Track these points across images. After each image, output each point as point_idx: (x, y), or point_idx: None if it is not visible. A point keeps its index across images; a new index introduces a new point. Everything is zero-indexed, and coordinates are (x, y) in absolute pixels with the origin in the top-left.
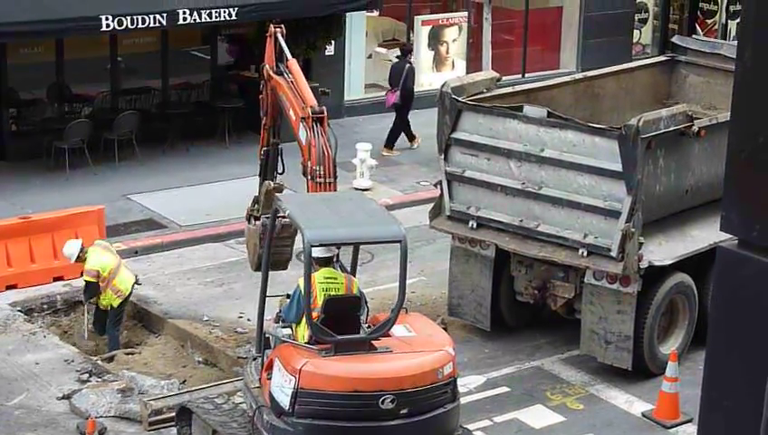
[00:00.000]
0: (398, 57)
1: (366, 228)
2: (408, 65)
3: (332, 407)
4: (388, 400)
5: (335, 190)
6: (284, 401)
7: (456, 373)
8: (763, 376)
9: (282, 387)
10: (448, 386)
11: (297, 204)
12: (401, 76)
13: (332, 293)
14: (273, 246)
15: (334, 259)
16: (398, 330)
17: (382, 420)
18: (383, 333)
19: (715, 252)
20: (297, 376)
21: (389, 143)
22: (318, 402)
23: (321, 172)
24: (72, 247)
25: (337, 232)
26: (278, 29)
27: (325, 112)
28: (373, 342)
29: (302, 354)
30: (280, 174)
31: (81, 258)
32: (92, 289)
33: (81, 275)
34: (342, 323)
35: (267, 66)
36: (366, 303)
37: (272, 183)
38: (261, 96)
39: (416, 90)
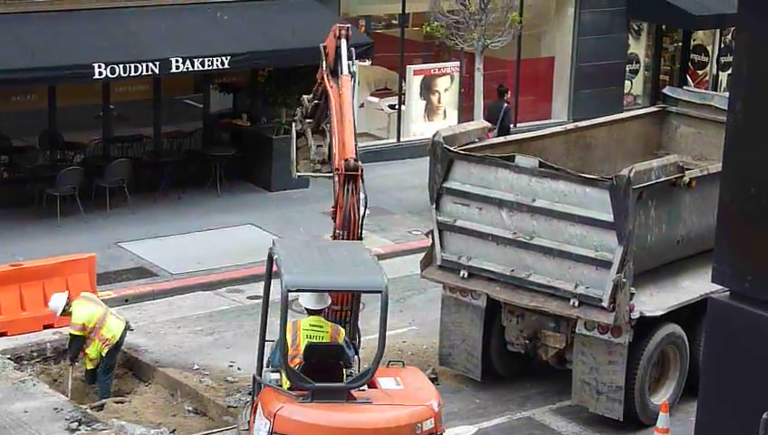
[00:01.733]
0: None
1: (347, 277)
2: (505, 105)
3: None
4: None
5: None
6: None
7: (441, 430)
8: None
9: (259, 430)
10: None
11: (289, 249)
12: (498, 115)
13: (316, 341)
14: None
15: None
16: (386, 382)
17: None
18: (363, 383)
19: (706, 303)
20: (272, 420)
21: None
22: None
23: (345, 236)
24: (57, 301)
25: (316, 279)
26: (344, 30)
27: (360, 170)
28: (353, 392)
29: (279, 399)
30: None
31: (66, 311)
32: (78, 343)
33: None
34: (323, 370)
35: (326, 67)
36: (356, 353)
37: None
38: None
39: (408, 139)
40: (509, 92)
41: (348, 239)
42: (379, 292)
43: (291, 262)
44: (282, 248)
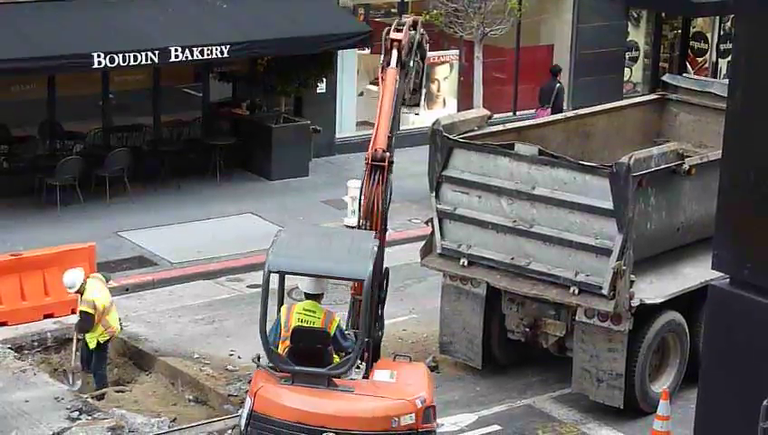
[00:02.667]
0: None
1: (332, 265)
2: (558, 84)
3: (278, 434)
4: None
5: (382, 244)
6: (243, 421)
7: (428, 427)
8: (756, 413)
9: (244, 408)
10: None
11: (292, 233)
12: (551, 95)
13: (306, 325)
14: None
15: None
16: (380, 374)
17: None
18: (344, 371)
19: (706, 290)
20: (253, 399)
21: None
22: (266, 428)
23: (368, 225)
24: (73, 276)
25: (300, 263)
26: (418, 19)
27: (387, 161)
28: (337, 380)
29: (263, 379)
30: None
31: (80, 289)
32: (89, 321)
33: (73, 312)
34: (308, 355)
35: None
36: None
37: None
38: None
39: (408, 127)
40: (560, 72)
41: (371, 229)
42: (362, 280)
43: (282, 245)
44: (285, 232)
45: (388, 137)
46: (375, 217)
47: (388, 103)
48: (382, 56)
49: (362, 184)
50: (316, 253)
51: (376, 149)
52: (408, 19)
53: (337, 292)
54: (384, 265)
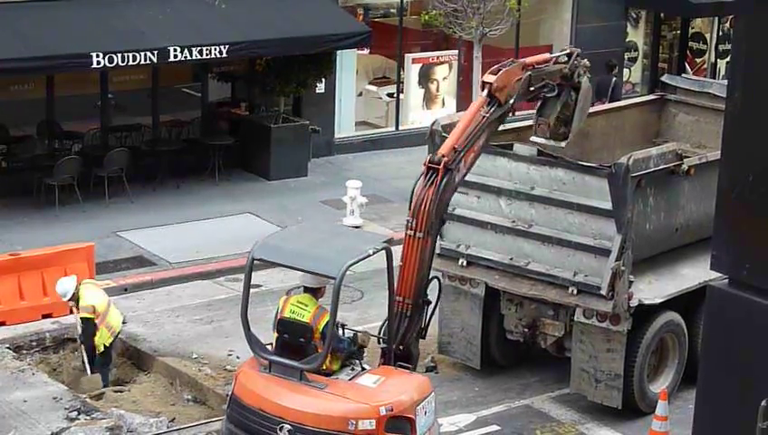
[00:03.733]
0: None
1: (309, 260)
2: (614, 78)
3: (245, 419)
4: (286, 429)
5: (425, 247)
6: (227, 403)
7: None
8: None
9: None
10: None
11: (298, 228)
12: (608, 89)
13: (295, 317)
14: None
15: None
16: (365, 379)
17: None
18: (314, 366)
19: (705, 290)
20: (234, 381)
21: None
22: (238, 411)
23: (414, 225)
24: (66, 284)
25: (280, 255)
26: (575, 51)
27: (442, 165)
28: (312, 376)
29: (247, 364)
30: None
31: (74, 296)
32: (91, 326)
33: (71, 312)
34: (292, 347)
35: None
36: (355, 345)
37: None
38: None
39: (406, 127)
40: (617, 67)
41: (417, 229)
42: (332, 278)
43: (279, 236)
44: (296, 226)
45: (455, 149)
46: (421, 218)
47: (463, 124)
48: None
49: (416, 184)
50: (304, 247)
51: (438, 154)
52: (536, 58)
53: (347, 292)
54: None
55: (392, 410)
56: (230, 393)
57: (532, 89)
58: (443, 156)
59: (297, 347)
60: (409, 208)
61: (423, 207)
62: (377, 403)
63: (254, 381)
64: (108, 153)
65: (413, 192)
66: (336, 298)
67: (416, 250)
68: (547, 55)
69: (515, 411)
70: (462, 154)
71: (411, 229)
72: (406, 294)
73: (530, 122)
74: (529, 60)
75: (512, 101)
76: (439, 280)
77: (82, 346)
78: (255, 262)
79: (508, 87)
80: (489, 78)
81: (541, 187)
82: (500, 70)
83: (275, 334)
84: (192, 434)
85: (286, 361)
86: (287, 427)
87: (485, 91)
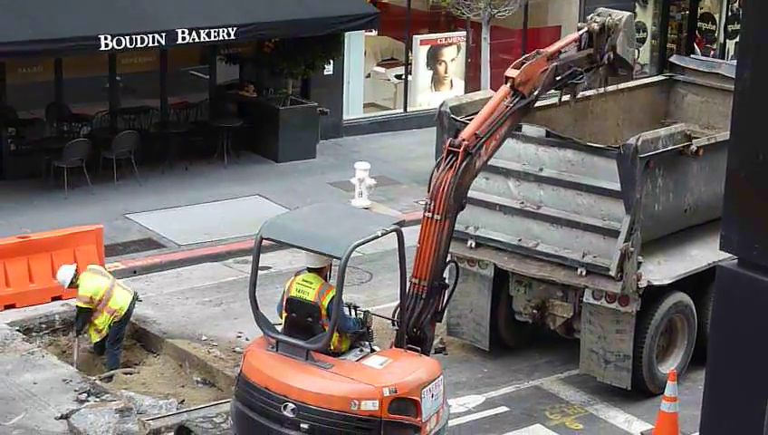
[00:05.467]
0: None
1: (316, 241)
2: None
3: (251, 397)
4: (290, 407)
5: (443, 230)
6: (235, 381)
7: (391, 419)
8: (763, 395)
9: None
10: (367, 424)
11: (309, 208)
12: None
13: (301, 296)
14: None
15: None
16: (372, 360)
17: (284, 427)
18: (320, 346)
19: (714, 271)
20: (243, 360)
21: None
22: (245, 389)
23: (432, 207)
24: (65, 273)
25: (287, 234)
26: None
27: (462, 148)
28: (318, 355)
29: (255, 343)
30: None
31: (73, 284)
32: (84, 316)
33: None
34: (300, 326)
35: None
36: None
37: None
38: None
39: (415, 109)
40: None
41: (435, 211)
42: (338, 258)
43: (289, 216)
44: (306, 207)
45: (476, 135)
46: (438, 201)
47: (487, 111)
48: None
49: (435, 166)
50: (312, 227)
51: (462, 138)
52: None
53: (355, 273)
54: (448, 257)
55: (396, 391)
56: (238, 372)
57: (558, 78)
58: (463, 140)
59: (305, 326)
60: (428, 190)
61: (442, 190)
62: (380, 384)
63: (261, 360)
64: (116, 136)
65: (432, 174)
66: (341, 278)
67: (434, 232)
68: (570, 38)
69: (524, 393)
70: (483, 140)
71: (429, 211)
72: (422, 276)
73: (537, 104)
74: (553, 48)
75: (536, 93)
76: (457, 264)
77: (77, 338)
78: (264, 242)
79: (533, 80)
80: (512, 72)
81: (549, 168)
82: (523, 63)
83: (284, 314)
84: (202, 416)
85: (292, 339)
86: (291, 405)
87: (508, 84)
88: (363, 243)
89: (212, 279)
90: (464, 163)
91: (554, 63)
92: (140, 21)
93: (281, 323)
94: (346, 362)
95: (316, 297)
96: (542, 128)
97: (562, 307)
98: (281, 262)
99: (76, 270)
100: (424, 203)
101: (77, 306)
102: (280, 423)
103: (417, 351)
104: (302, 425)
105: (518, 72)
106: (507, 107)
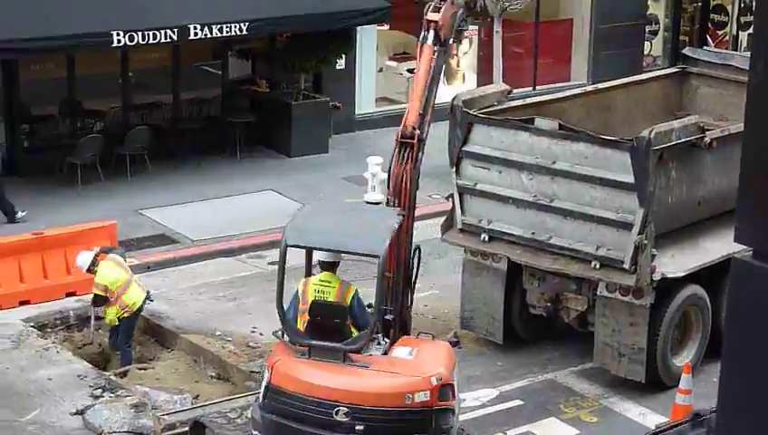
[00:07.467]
0: None
1: (348, 240)
2: None
3: (292, 407)
4: (342, 412)
5: (411, 223)
6: (260, 394)
7: (440, 405)
8: None
9: (262, 380)
10: (420, 414)
11: (314, 207)
12: None
13: (322, 297)
14: None
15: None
16: (399, 351)
17: (337, 432)
18: (358, 346)
19: (728, 263)
20: (270, 371)
21: None
22: (281, 401)
23: (396, 203)
24: (84, 257)
25: (316, 238)
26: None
27: (416, 138)
28: (353, 355)
29: (281, 352)
30: None
31: (91, 270)
32: (99, 301)
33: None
34: (326, 329)
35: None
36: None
37: None
38: None
39: None
40: None
41: (398, 207)
42: (377, 257)
43: (301, 219)
44: (308, 207)
45: (420, 115)
46: (403, 196)
47: (422, 81)
48: (421, 34)
49: (391, 161)
50: (333, 228)
51: (406, 126)
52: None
53: (357, 267)
54: (414, 244)
55: (442, 378)
56: (266, 384)
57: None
58: (414, 128)
59: (332, 328)
60: (388, 187)
61: (404, 185)
62: (426, 374)
63: (297, 369)
64: (129, 131)
65: (390, 170)
66: (381, 276)
67: (403, 228)
68: None
69: (538, 386)
70: (426, 117)
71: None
72: (395, 270)
73: (550, 97)
74: None
75: (451, 40)
76: (419, 249)
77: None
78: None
79: (446, 24)
80: (434, 16)
81: (562, 161)
82: (438, 9)
83: (305, 317)
84: (216, 411)
85: (329, 344)
86: (343, 409)
87: (431, 31)
88: (391, 237)
89: (225, 274)
90: (420, 153)
91: (460, 8)
92: (153, 17)
93: (289, 329)
94: (378, 357)
95: (338, 297)
96: (555, 121)
97: (576, 300)
98: (291, 259)
99: (96, 256)
100: (387, 202)
101: (93, 293)
102: (331, 429)
103: (431, 335)
104: (357, 427)
105: (440, 14)
106: (432, 59)
